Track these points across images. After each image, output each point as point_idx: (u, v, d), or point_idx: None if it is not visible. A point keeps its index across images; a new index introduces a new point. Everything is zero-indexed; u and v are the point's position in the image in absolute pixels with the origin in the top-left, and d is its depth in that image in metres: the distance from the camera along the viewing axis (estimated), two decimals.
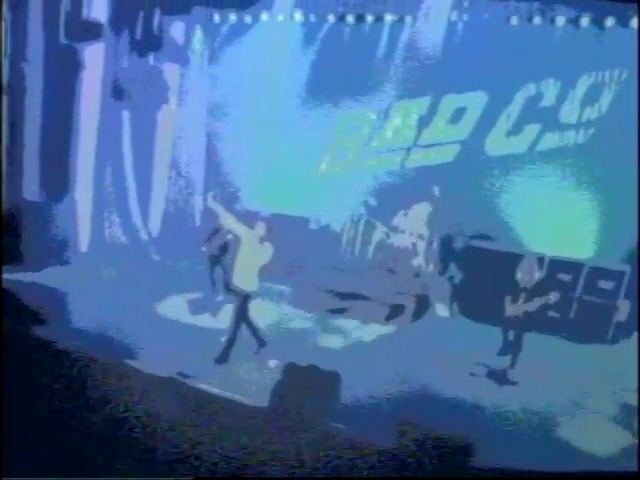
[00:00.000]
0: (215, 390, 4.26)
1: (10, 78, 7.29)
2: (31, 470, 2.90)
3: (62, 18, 7.80)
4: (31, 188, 8.11)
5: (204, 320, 6.86)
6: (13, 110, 7.47)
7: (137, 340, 5.79)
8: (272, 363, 5.40)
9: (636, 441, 3.97)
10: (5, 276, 7.24)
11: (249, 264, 5.74)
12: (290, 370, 2.78)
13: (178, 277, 8.44)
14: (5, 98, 7.29)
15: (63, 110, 8.28)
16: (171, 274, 8.73)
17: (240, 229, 5.77)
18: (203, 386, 4.40)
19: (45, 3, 7.45)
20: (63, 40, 7.89)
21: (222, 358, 5.72)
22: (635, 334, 7.06)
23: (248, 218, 7.75)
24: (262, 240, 5.76)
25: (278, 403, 2.98)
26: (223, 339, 5.75)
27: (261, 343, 5.97)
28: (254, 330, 5.94)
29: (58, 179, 8.58)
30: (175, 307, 7.19)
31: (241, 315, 5.78)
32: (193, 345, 5.93)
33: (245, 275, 5.75)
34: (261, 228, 5.82)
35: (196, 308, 7.25)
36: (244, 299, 5.77)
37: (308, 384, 2.83)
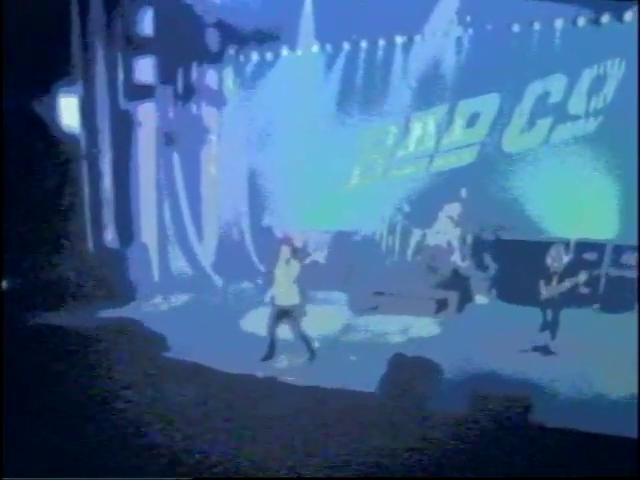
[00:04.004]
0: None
1: (86, 145, 8.52)
2: (31, 470, 2.96)
3: (120, 85, 9.01)
4: (109, 237, 9.31)
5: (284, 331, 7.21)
6: (91, 172, 8.70)
7: (230, 352, 6.56)
8: (353, 357, 6.46)
9: None
10: (100, 314, 8.46)
11: (283, 282, 6.67)
12: (397, 360, 3.66)
13: (245, 297, 9.53)
14: (84, 162, 8.50)
15: (127, 165, 9.52)
16: (237, 294, 9.82)
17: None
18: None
19: (107, 75, 8.66)
20: (123, 103, 9.09)
21: (311, 357, 6.66)
22: None
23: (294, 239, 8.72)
24: (288, 261, 6.67)
25: (390, 389, 3.82)
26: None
27: (270, 354, 6.67)
28: (273, 339, 6.68)
29: (128, 226, 9.78)
30: (255, 322, 8.09)
31: (297, 324, 6.63)
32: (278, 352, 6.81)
33: (283, 292, 6.66)
34: (286, 252, 6.73)
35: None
36: (290, 312, 6.63)
37: (414, 372, 3.68)
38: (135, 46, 9.23)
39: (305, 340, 6.69)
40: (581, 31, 9.83)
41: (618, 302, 8.20)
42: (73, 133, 8.32)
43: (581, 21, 9.87)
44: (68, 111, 8.15)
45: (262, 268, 10.99)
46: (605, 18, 9.68)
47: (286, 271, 6.64)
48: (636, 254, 8.53)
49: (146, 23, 9.39)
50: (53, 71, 7.83)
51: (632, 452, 3.23)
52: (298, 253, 6.86)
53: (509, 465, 3.74)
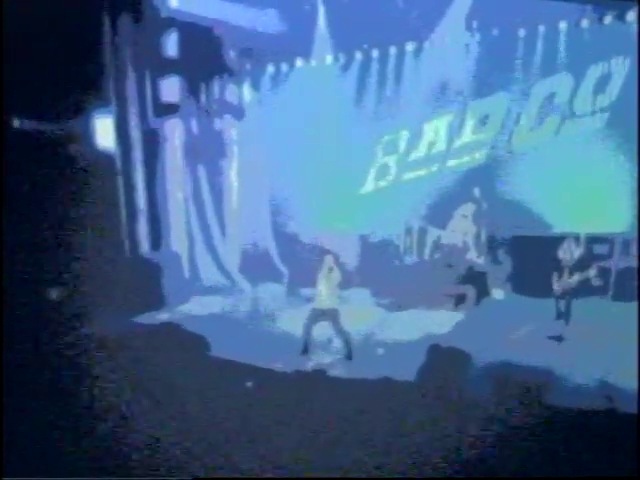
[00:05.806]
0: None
1: (121, 162, 9.15)
2: (31, 470, 3.02)
3: (148, 104, 9.63)
4: (143, 246, 9.91)
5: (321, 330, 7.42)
6: (125, 186, 9.33)
7: (265, 352, 6.97)
8: (380, 351, 6.99)
9: None
10: (138, 320, 8.99)
11: (324, 289, 7.12)
12: (433, 352, 4.14)
13: (273, 299, 10.06)
14: (120, 178, 9.14)
15: (157, 178, 10.12)
16: (265, 297, 10.34)
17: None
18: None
19: (137, 95, 9.29)
20: (151, 121, 9.71)
21: (347, 356, 7.08)
22: None
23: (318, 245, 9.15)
24: (331, 269, 7.13)
25: (427, 379, 4.26)
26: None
27: (305, 350, 7.12)
28: (307, 337, 7.10)
29: (160, 235, 10.37)
30: (286, 323, 8.61)
31: (339, 324, 7.09)
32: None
33: (324, 298, 7.11)
34: (329, 260, 7.20)
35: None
36: (328, 314, 7.07)
37: (450, 362, 4.15)
38: (161, 66, 9.82)
39: (345, 338, 7.09)
40: (585, 32, 10.19)
41: (628, 292, 8.60)
42: (109, 151, 8.95)
43: (584, 22, 10.24)
44: (103, 130, 8.76)
45: (285, 270, 11.55)
46: (607, 19, 10.05)
47: (328, 279, 7.08)
48: None
49: (170, 45, 9.98)
50: (89, 95, 8.44)
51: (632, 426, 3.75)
52: (339, 261, 7.29)
53: (528, 440, 4.22)
